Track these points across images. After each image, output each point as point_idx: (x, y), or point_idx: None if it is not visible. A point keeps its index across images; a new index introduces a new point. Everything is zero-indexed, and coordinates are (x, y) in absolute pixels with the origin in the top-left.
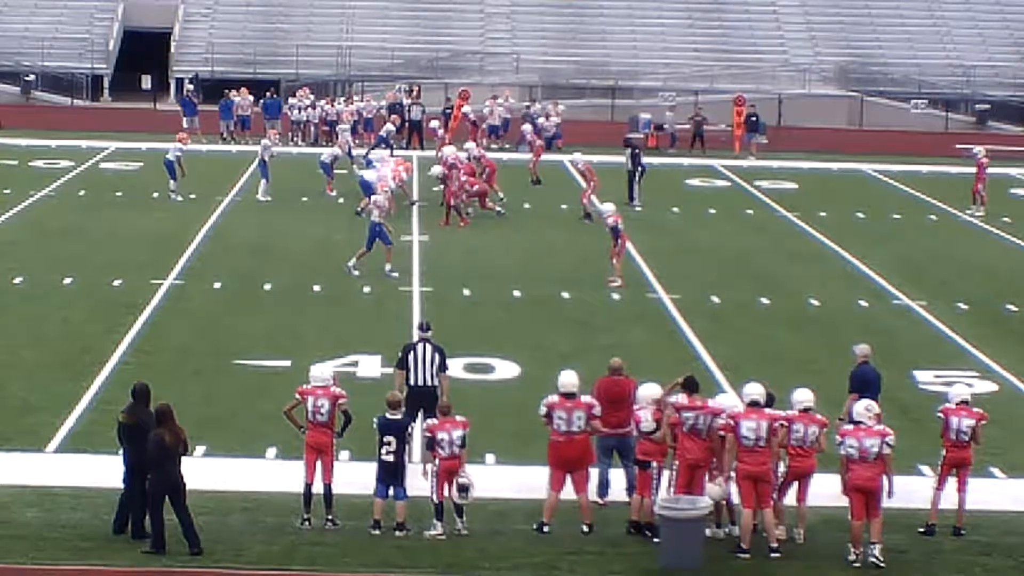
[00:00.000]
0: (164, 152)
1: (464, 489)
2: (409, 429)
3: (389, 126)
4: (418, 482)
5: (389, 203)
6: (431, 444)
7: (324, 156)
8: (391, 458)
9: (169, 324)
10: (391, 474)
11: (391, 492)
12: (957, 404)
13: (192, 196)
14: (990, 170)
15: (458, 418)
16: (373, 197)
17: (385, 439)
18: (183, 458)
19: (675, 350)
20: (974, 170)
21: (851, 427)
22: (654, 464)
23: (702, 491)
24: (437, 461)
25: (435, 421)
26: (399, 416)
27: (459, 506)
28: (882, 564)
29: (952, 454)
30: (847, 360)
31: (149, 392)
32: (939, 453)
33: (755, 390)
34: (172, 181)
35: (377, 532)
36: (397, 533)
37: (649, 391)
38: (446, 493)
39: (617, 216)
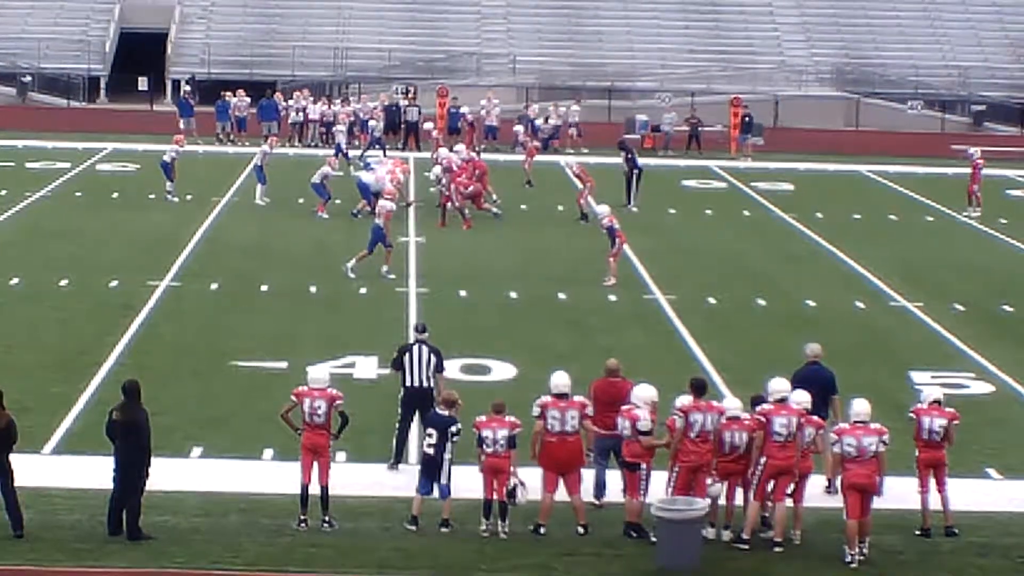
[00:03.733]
0: (161, 153)
1: (512, 494)
2: (454, 428)
3: (373, 122)
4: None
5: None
6: (479, 442)
7: (315, 178)
8: (431, 451)
9: (166, 325)
10: (429, 467)
11: (435, 490)
12: (929, 404)
13: (188, 197)
14: (986, 171)
15: (507, 418)
16: (380, 202)
17: (428, 431)
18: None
19: (672, 351)
20: (969, 171)
21: (847, 426)
22: (643, 466)
23: (703, 493)
24: (483, 458)
25: (483, 418)
26: (446, 413)
27: (504, 507)
28: (865, 553)
29: (925, 454)
30: (844, 361)
31: (140, 389)
32: (913, 455)
33: (782, 386)
34: (168, 183)
35: (414, 528)
36: (443, 529)
37: (645, 392)
38: (493, 493)
39: (611, 217)
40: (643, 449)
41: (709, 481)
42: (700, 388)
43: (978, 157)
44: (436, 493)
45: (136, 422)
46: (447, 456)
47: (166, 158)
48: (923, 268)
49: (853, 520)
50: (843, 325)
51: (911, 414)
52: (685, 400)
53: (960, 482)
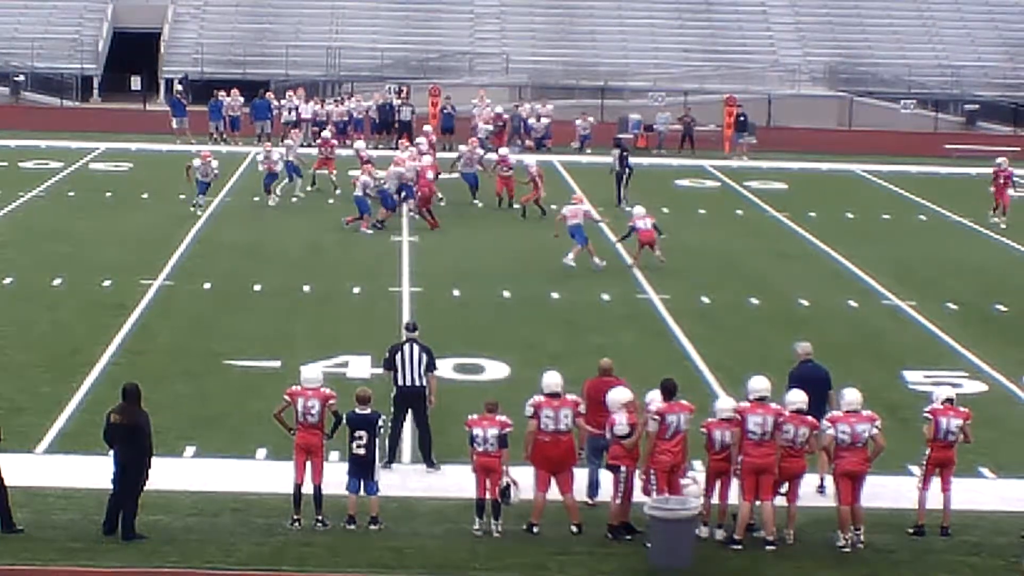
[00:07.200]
0: (155, 152)
1: (505, 493)
2: (379, 423)
3: (359, 143)
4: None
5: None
6: (471, 440)
7: (356, 190)
8: (362, 452)
9: (159, 325)
10: (362, 468)
11: (362, 487)
12: (943, 404)
13: (182, 197)
14: (978, 170)
15: (498, 417)
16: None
17: (356, 433)
18: None
19: (665, 350)
20: (994, 178)
21: (840, 414)
22: (623, 468)
23: (678, 493)
24: (474, 457)
25: (474, 417)
26: (368, 411)
27: (497, 506)
28: (863, 541)
29: (937, 454)
30: (837, 360)
31: (140, 392)
32: (923, 453)
33: (762, 385)
34: (200, 196)
35: (352, 527)
36: (372, 527)
37: (617, 396)
38: (486, 492)
39: (641, 219)
40: (625, 451)
41: (684, 482)
42: (671, 390)
43: (1006, 166)
44: (363, 491)
45: (138, 425)
46: (376, 453)
47: (201, 178)
48: (916, 267)
49: (845, 507)
50: (836, 324)
51: (927, 414)
52: (659, 403)
53: (953, 481)
